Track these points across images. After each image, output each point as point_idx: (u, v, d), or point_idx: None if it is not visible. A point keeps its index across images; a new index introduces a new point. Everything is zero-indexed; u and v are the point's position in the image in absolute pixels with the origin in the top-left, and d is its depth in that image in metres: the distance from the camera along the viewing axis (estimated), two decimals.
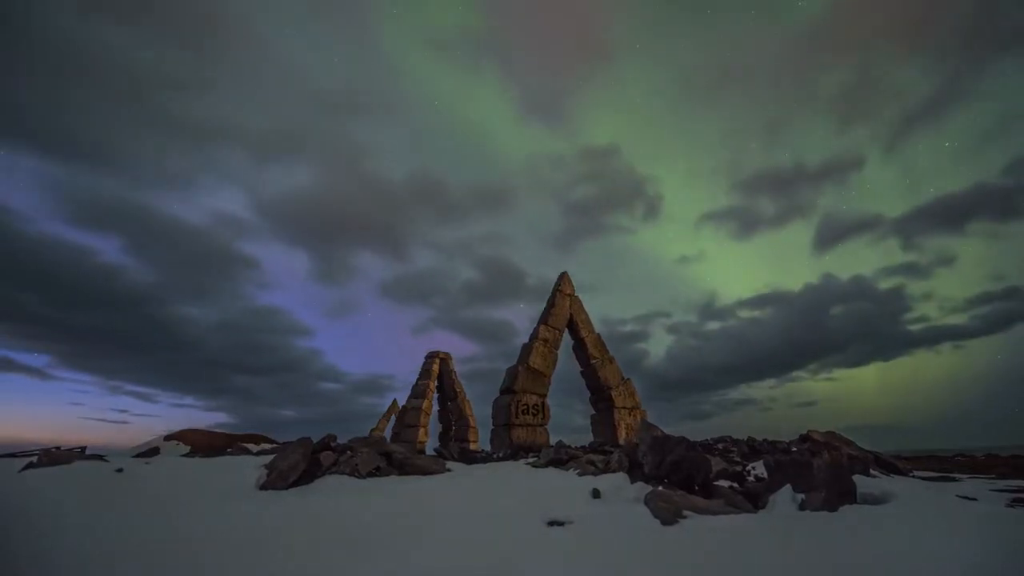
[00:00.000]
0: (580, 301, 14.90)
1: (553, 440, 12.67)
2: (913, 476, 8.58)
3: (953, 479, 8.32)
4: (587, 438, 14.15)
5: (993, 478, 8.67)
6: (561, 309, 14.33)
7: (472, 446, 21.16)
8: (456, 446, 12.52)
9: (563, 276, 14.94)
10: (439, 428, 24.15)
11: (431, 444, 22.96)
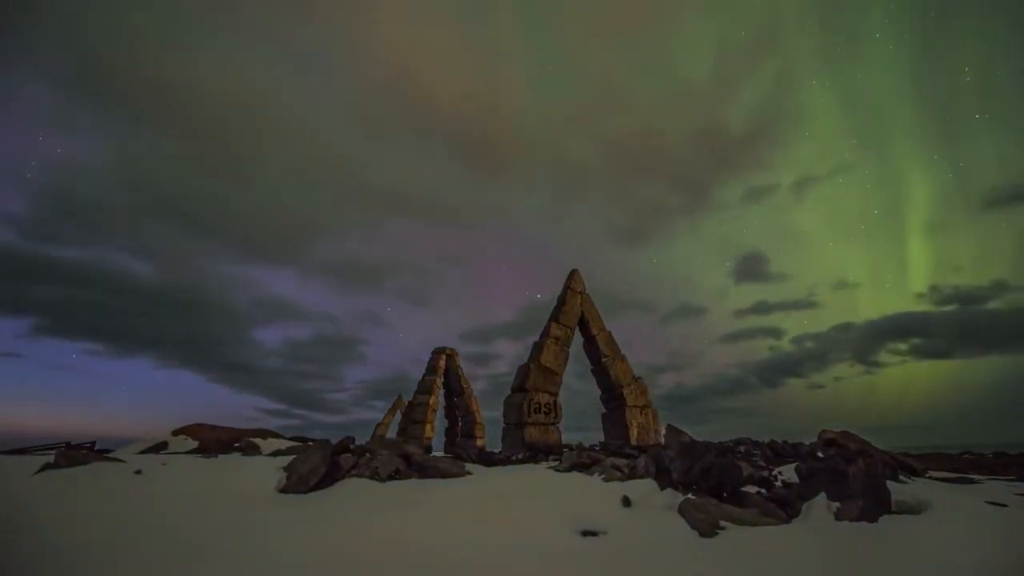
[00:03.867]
0: (591, 299, 14.80)
1: (565, 440, 12.64)
2: (929, 477, 8.51)
3: (971, 481, 8.24)
4: (587, 437, 14.10)
5: (1012, 479, 8.59)
6: (572, 306, 14.23)
7: (479, 443, 21.15)
8: (470, 445, 12.48)
9: (573, 273, 14.82)
10: (445, 424, 24.18)
11: (437, 440, 23.00)
